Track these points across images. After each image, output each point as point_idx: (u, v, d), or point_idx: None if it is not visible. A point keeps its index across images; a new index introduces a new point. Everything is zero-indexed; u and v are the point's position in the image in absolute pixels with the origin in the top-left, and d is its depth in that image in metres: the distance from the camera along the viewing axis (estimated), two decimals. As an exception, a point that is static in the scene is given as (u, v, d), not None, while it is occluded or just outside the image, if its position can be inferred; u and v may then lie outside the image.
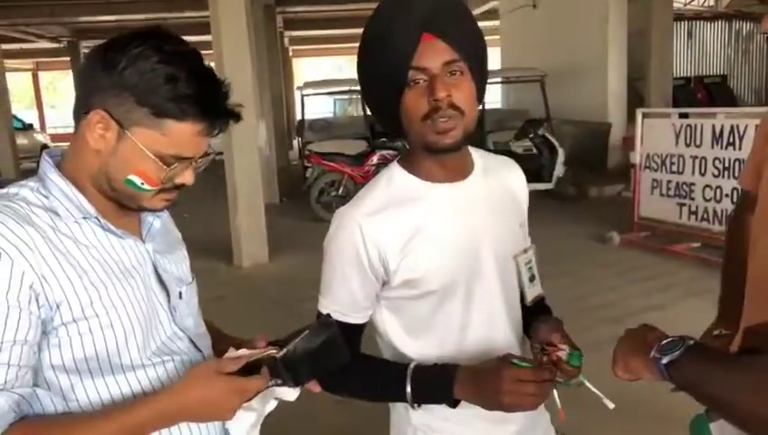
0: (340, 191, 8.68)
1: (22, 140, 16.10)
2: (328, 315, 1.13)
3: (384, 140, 10.04)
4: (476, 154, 1.29)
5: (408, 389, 1.16)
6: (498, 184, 1.28)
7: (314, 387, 1.10)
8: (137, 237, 1.09)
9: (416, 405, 1.18)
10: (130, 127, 0.97)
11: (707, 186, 5.98)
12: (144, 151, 0.98)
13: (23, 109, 26.55)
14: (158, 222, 1.14)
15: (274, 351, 1.02)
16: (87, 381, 0.99)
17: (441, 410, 1.19)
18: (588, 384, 1.21)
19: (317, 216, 8.56)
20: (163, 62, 0.95)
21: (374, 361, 1.24)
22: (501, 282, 1.24)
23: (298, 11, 16.14)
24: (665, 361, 0.95)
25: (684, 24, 14.77)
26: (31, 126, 19.11)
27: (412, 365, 1.18)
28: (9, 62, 18.25)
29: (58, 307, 0.94)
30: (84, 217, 1.01)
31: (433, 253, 1.18)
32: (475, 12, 17.50)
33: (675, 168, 6.27)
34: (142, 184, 1.00)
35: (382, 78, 1.14)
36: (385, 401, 1.28)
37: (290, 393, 1.07)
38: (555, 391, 1.16)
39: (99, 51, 0.99)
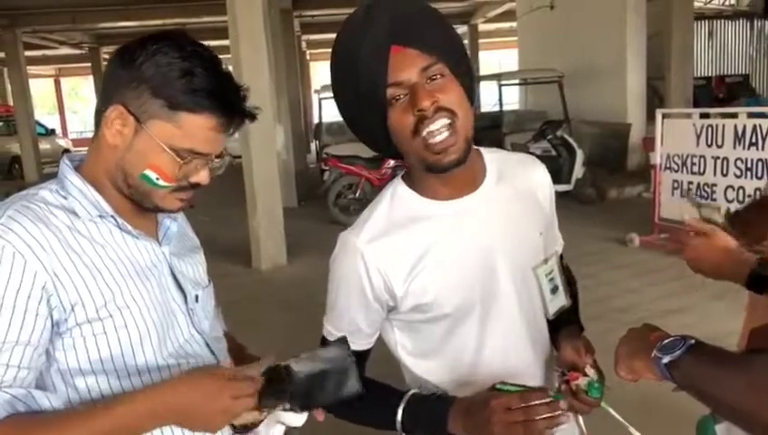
0: (358, 194, 8.70)
1: (44, 146, 16.40)
2: (344, 339, 1.07)
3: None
4: (490, 157, 1.21)
5: (399, 416, 1.10)
6: (514, 190, 1.19)
7: (319, 415, 1.07)
8: (153, 239, 1.09)
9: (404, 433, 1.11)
10: (146, 120, 0.98)
11: (729, 186, 5.89)
12: (159, 144, 0.99)
13: (45, 114, 26.98)
14: (175, 226, 1.15)
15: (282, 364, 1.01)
16: (103, 384, 0.99)
17: None
18: (612, 412, 1.14)
19: (334, 218, 8.59)
20: (180, 58, 0.97)
21: (374, 384, 1.16)
22: (519, 297, 1.17)
23: (315, 15, 16.21)
24: (666, 360, 0.94)
25: (704, 22, 14.60)
26: (53, 131, 19.44)
27: (409, 393, 1.12)
28: (32, 69, 18.56)
29: (72, 308, 0.95)
30: (101, 216, 1.02)
31: (443, 275, 1.11)
32: (492, 13, 17.48)
33: (696, 168, 6.19)
34: (157, 179, 1.01)
35: (361, 103, 1.07)
36: (377, 427, 1.18)
37: (296, 419, 1.05)
38: (580, 417, 1.13)
39: (119, 51, 1.01)
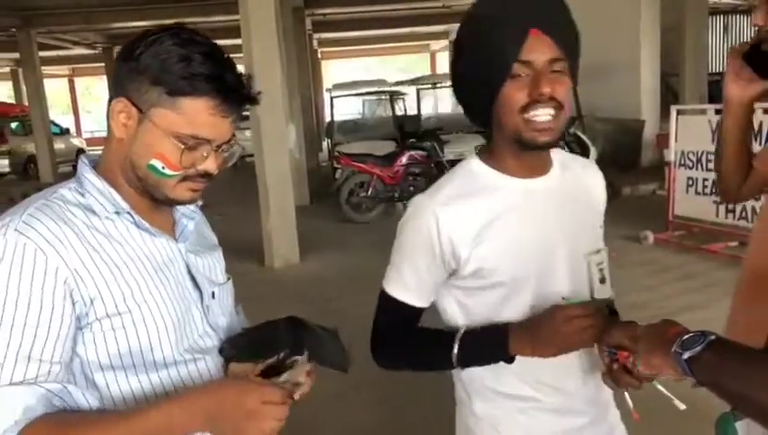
0: (370, 192, 8.71)
1: (59, 145, 16.55)
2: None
3: (413, 140, 10.04)
4: (554, 153, 1.29)
5: (455, 349, 1.19)
6: (575, 182, 1.29)
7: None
8: (170, 236, 1.10)
9: (460, 367, 1.22)
10: (148, 110, 0.99)
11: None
12: (162, 132, 1.00)
13: (60, 114, 27.23)
14: (192, 224, 1.16)
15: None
16: (121, 379, 1.00)
17: (505, 402, 1.24)
18: (659, 387, 1.16)
19: (347, 216, 8.61)
20: (177, 45, 0.98)
21: (427, 330, 1.26)
22: (570, 280, 1.24)
23: (327, 13, 16.25)
24: (686, 356, 0.93)
25: (719, 17, 14.45)
26: (67, 131, 19.61)
27: (462, 329, 1.21)
28: (46, 69, 18.73)
29: (92, 302, 0.96)
30: (117, 213, 1.03)
31: (505, 245, 1.19)
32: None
33: (711, 165, 6.12)
34: (163, 168, 1.01)
35: (484, 69, 1.14)
36: (434, 369, 1.29)
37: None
38: (626, 393, 1.15)
39: (122, 48, 1.03)
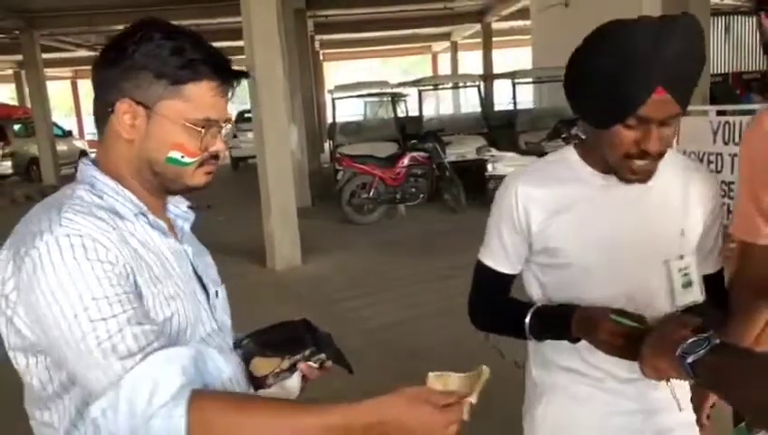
0: (371, 194, 8.71)
1: (62, 147, 16.56)
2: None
3: (415, 141, 10.03)
4: (667, 155, 1.26)
5: (527, 321, 1.30)
6: (669, 188, 1.29)
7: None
8: (174, 237, 1.12)
9: (531, 336, 1.31)
10: (155, 104, 1.01)
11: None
12: (175, 122, 1.02)
13: (62, 116, 27.29)
14: (187, 225, 1.17)
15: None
16: None
17: (559, 373, 1.37)
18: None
19: (348, 218, 8.61)
20: (166, 38, 1.01)
21: (512, 300, 1.38)
22: (638, 281, 1.28)
23: (329, 14, 16.24)
24: (690, 360, 0.94)
25: (721, 18, 14.43)
26: (70, 133, 19.62)
27: (537, 304, 1.32)
28: (49, 71, 18.77)
29: (140, 289, 0.98)
30: (136, 214, 1.05)
31: (573, 230, 1.27)
32: (506, 12, 17.41)
33: (713, 166, 6.11)
34: (182, 157, 1.04)
35: (601, 104, 1.17)
36: (515, 336, 1.36)
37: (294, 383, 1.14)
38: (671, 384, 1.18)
39: (101, 56, 1.05)
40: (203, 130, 1.03)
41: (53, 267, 0.90)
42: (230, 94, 1.08)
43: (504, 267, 1.37)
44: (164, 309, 1.00)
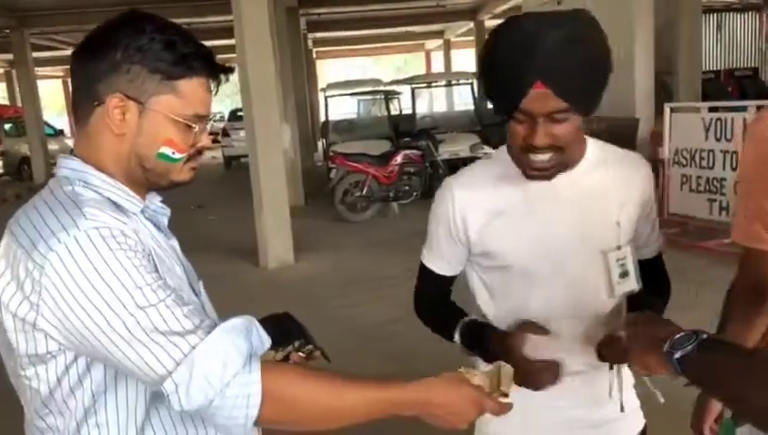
0: (365, 192, 8.70)
1: (53, 146, 16.46)
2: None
3: (408, 139, 10.03)
4: (596, 146, 1.32)
5: (456, 336, 1.35)
6: (602, 180, 1.30)
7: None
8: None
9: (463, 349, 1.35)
10: (148, 99, 1.00)
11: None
12: (168, 118, 1.01)
13: (54, 115, 27.13)
14: (165, 220, 1.15)
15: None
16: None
17: None
18: (645, 379, 1.24)
19: (341, 216, 8.60)
20: (158, 32, 0.99)
21: (451, 307, 1.41)
22: (578, 275, 1.29)
23: (321, 12, 16.21)
24: (677, 355, 0.93)
25: (713, 15, 14.49)
26: (61, 132, 19.52)
27: (465, 320, 1.35)
28: (40, 70, 18.66)
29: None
30: (141, 210, 1.05)
31: (510, 233, 1.28)
32: (499, 9, 17.41)
33: (705, 163, 6.15)
34: (173, 153, 1.03)
35: (497, 99, 1.22)
36: (447, 339, 1.40)
37: None
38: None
39: (85, 46, 1.02)
40: (195, 126, 1.03)
41: (89, 261, 0.89)
42: (216, 90, 1.07)
43: (443, 270, 1.40)
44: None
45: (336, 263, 6.75)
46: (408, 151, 9.20)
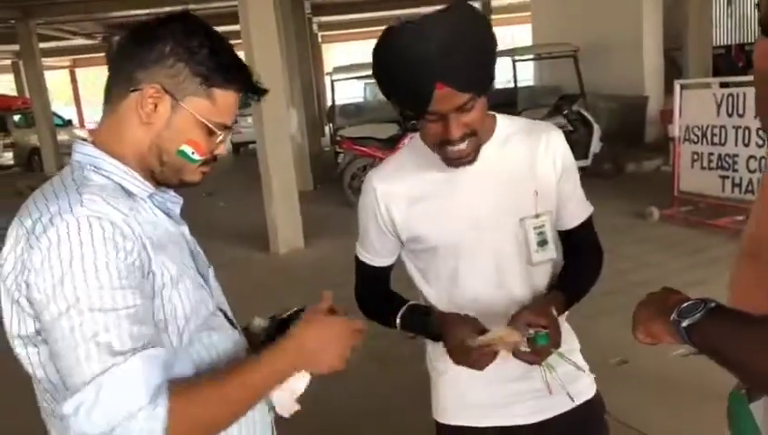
0: (373, 175, 8.68)
1: (62, 136, 16.51)
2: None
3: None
4: (504, 123, 1.38)
5: (398, 321, 1.40)
6: (516, 153, 1.36)
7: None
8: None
9: (401, 330, 1.42)
10: (183, 98, 1.03)
11: (752, 157, 5.79)
12: (198, 120, 1.05)
13: (62, 105, 27.21)
14: (178, 208, 1.16)
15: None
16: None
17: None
18: (565, 358, 1.35)
19: (350, 201, 8.59)
20: (206, 37, 1.04)
21: (391, 296, 1.47)
22: (500, 247, 1.35)
23: (326, -4, 16.09)
24: (685, 324, 0.92)
25: (723, -10, 14.25)
26: (70, 122, 19.61)
27: (406, 305, 1.41)
28: (47, 60, 18.68)
29: (153, 274, 0.98)
30: (149, 195, 1.06)
31: (431, 215, 1.35)
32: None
33: (716, 139, 6.08)
34: (193, 153, 1.06)
35: (399, 102, 1.25)
36: (389, 326, 1.45)
37: (301, 383, 1.13)
38: (541, 369, 1.33)
39: (134, 33, 1.05)
40: (221, 134, 1.08)
41: (70, 250, 0.90)
42: (246, 105, 1.13)
43: (376, 262, 1.46)
44: (179, 285, 1.02)
45: (346, 247, 6.69)
46: (415, 134, 9.15)
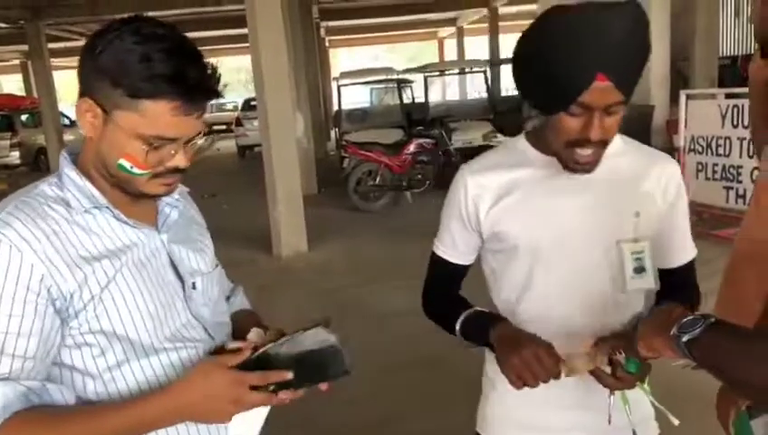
0: (377, 181, 8.70)
1: (69, 136, 16.58)
2: (327, 321, 1.06)
3: (421, 128, 9.99)
4: (618, 141, 1.28)
5: (458, 327, 1.31)
6: (625, 169, 1.28)
7: (321, 385, 1.07)
8: (151, 227, 1.10)
9: (463, 339, 1.32)
10: (112, 110, 0.98)
11: (756, 168, 5.76)
12: (126, 133, 0.98)
13: (69, 106, 27.30)
14: (176, 212, 1.15)
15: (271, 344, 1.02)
16: (105, 374, 1.01)
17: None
18: (650, 396, 1.24)
19: (354, 205, 8.61)
20: (138, 43, 0.95)
21: (458, 300, 1.39)
22: (585, 262, 1.26)
23: (334, 0, 16.16)
24: (685, 338, 0.93)
25: (731, 0, 14.26)
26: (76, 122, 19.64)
27: (470, 310, 1.32)
28: (56, 61, 18.78)
29: (71, 296, 0.97)
30: (95, 207, 1.04)
31: (520, 213, 1.27)
32: (512, -4, 17.24)
33: (721, 150, 6.07)
34: (131, 167, 1.01)
35: (544, 93, 1.17)
36: (449, 332, 1.37)
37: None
38: (612, 397, 1.22)
39: (87, 41, 1.00)
40: (147, 148, 0.99)
41: None
42: (199, 112, 1.02)
43: (454, 259, 1.39)
44: (106, 300, 1.00)
45: (349, 252, 6.77)
46: (420, 140, 9.17)
